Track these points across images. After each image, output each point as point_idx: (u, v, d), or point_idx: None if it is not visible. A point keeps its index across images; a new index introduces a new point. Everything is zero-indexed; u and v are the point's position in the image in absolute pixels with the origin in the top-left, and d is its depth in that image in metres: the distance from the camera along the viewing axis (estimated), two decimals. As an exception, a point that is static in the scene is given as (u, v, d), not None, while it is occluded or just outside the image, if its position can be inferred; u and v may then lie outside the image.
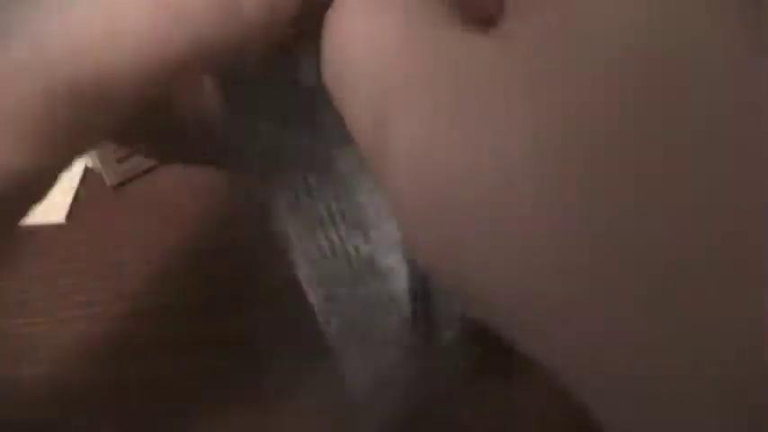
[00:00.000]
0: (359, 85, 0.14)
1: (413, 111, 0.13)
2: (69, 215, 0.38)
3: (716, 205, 0.10)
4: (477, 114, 0.12)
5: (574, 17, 0.12)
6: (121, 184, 0.39)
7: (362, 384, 0.23)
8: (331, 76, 0.15)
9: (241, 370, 0.31)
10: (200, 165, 0.25)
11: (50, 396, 0.31)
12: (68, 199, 0.38)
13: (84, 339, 0.32)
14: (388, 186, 0.13)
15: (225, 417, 0.30)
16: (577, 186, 0.11)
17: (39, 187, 0.17)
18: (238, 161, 0.21)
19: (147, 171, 0.39)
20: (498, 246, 0.12)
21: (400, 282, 0.22)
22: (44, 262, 0.35)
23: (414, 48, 0.13)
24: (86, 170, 0.40)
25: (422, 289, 0.22)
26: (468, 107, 0.12)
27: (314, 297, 0.21)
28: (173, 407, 0.30)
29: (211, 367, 0.31)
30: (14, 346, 0.32)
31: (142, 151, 0.25)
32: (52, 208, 0.38)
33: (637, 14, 0.11)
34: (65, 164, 0.18)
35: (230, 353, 0.31)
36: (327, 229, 0.21)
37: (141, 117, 0.18)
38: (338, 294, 0.22)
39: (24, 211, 0.18)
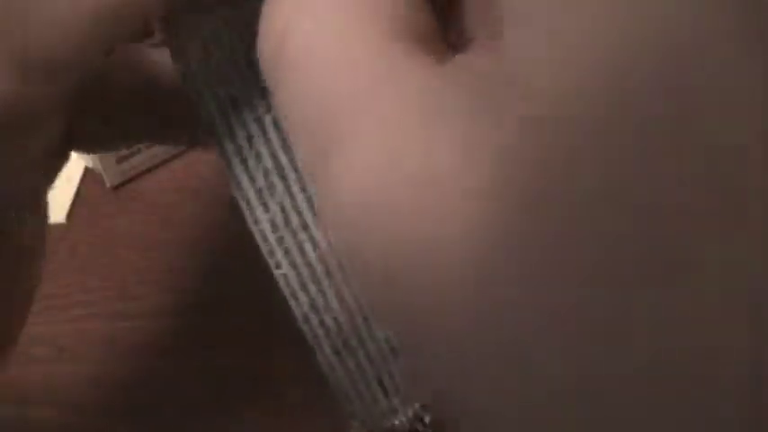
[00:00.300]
0: (298, 98, 0.13)
1: (360, 138, 0.12)
2: (69, 215, 0.38)
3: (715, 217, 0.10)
4: (423, 144, 0.11)
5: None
6: (121, 184, 0.39)
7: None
8: (268, 80, 0.13)
9: (241, 369, 0.31)
10: (168, 138, 0.25)
11: (49, 396, 0.31)
12: (68, 199, 0.38)
13: (85, 339, 0.32)
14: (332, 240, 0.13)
15: (224, 416, 0.30)
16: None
17: (27, 118, 0.17)
18: (199, 123, 0.17)
19: (147, 171, 0.39)
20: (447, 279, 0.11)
21: None
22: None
23: (359, 62, 0.12)
24: (86, 170, 0.40)
25: None
26: (416, 135, 0.11)
27: (297, 308, 0.18)
28: (172, 406, 0.30)
29: (212, 367, 0.31)
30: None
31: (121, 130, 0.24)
32: (52, 208, 0.38)
33: (632, 22, 0.11)
34: (48, 97, 0.18)
35: (231, 352, 0.31)
36: (305, 215, 0.17)
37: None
38: None
39: (20, 145, 0.18)
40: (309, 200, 0.17)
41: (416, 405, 0.19)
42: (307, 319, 0.18)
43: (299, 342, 0.19)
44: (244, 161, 0.17)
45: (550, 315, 0.10)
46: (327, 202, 0.12)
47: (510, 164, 0.11)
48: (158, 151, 0.39)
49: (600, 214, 0.10)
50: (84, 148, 0.26)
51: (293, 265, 0.17)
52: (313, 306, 0.18)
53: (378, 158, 0.12)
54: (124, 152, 0.38)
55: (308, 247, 0.17)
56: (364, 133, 0.12)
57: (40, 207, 0.20)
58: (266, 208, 0.17)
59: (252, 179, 0.17)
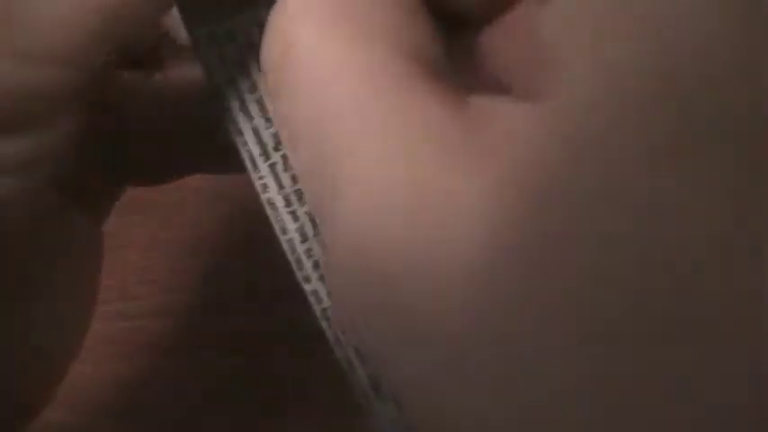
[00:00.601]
0: (301, 109, 0.13)
1: (362, 142, 0.12)
2: (69, 215, 0.38)
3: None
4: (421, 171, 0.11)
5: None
6: (122, 184, 0.39)
7: None
8: (270, 88, 0.14)
9: (241, 369, 0.31)
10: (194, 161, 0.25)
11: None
12: (68, 199, 0.38)
13: (85, 339, 0.32)
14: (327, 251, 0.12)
15: (225, 416, 0.30)
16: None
17: (26, 117, 0.17)
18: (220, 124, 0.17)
19: (148, 171, 0.39)
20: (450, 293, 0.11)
21: None
22: (44, 262, 0.35)
23: (363, 70, 0.12)
24: (86, 170, 0.40)
25: None
26: (418, 137, 0.12)
27: (325, 324, 0.17)
28: (173, 406, 0.30)
29: (212, 367, 0.31)
30: (15, 346, 0.32)
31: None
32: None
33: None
34: (48, 96, 0.17)
35: (231, 352, 0.31)
36: None
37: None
38: None
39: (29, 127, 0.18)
40: None
41: None
42: (327, 316, 0.17)
43: (300, 342, 0.19)
44: (272, 165, 0.16)
45: (550, 315, 0.10)
46: (328, 211, 0.12)
47: (511, 165, 0.11)
48: (158, 151, 0.39)
49: (600, 214, 0.10)
50: (135, 181, 0.25)
51: (323, 279, 0.16)
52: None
53: (379, 161, 0.12)
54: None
55: None
56: (366, 138, 0.12)
57: (43, 213, 0.20)
58: (295, 217, 0.16)
59: (279, 184, 0.16)
